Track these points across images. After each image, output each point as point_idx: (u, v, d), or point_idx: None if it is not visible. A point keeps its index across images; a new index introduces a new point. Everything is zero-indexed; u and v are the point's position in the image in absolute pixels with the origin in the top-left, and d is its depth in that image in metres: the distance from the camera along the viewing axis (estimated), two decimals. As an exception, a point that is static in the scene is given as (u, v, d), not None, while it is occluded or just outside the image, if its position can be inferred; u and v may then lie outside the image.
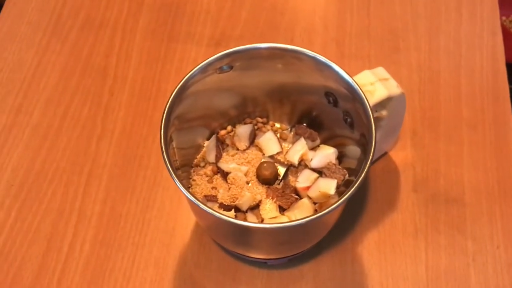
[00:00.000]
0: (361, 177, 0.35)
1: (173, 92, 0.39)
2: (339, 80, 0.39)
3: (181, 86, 0.39)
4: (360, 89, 0.38)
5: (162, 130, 0.38)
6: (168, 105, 0.39)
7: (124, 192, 0.51)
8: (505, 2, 0.81)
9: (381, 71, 0.42)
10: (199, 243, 0.48)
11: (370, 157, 0.36)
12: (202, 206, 0.36)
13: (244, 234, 0.39)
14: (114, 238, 0.49)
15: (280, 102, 0.47)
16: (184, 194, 0.36)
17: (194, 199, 0.36)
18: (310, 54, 0.40)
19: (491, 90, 0.56)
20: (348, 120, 0.42)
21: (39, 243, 0.48)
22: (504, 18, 0.87)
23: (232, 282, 0.47)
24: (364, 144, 0.38)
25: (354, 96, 0.39)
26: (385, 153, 0.52)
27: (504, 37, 0.60)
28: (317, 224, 0.39)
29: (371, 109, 0.38)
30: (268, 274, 0.47)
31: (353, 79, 0.39)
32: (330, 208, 0.35)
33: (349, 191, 0.35)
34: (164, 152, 0.37)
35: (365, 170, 0.36)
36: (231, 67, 0.42)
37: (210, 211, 0.36)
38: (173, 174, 0.37)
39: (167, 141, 0.38)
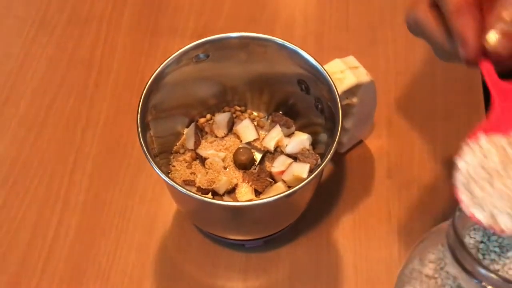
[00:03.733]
0: (327, 158, 0.37)
1: (148, 81, 0.41)
2: (308, 66, 0.41)
3: (156, 75, 0.41)
4: (327, 73, 0.40)
5: (138, 118, 0.39)
6: (143, 94, 0.40)
7: (108, 180, 0.52)
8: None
9: (351, 59, 0.43)
10: (180, 229, 0.50)
11: (336, 138, 0.38)
12: (179, 188, 0.37)
13: (220, 214, 0.41)
14: (98, 224, 0.50)
15: (257, 91, 0.48)
16: (162, 178, 0.38)
17: (171, 181, 0.38)
18: (279, 42, 0.41)
19: (465, 81, 0.57)
20: (319, 106, 0.44)
21: (25, 231, 0.50)
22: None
23: (211, 266, 0.48)
24: (333, 129, 0.40)
25: (321, 81, 0.41)
26: (361, 141, 0.54)
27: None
28: (288, 203, 0.41)
29: (337, 92, 0.39)
30: (247, 257, 0.48)
31: (320, 65, 0.41)
32: (299, 186, 0.37)
33: (315, 171, 0.37)
34: (141, 138, 0.39)
35: (331, 151, 0.37)
36: (207, 56, 0.43)
37: (186, 192, 0.37)
38: (150, 159, 0.38)
39: (144, 129, 0.40)
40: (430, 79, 0.58)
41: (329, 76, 0.40)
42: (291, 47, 0.41)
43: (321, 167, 0.37)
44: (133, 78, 0.58)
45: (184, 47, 0.43)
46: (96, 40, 0.61)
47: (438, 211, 0.50)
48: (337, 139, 0.37)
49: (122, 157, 0.54)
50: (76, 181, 0.52)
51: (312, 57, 0.41)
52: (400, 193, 0.51)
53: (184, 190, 0.37)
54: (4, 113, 0.56)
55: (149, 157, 0.38)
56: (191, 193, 0.37)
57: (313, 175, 0.37)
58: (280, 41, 0.41)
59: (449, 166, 0.52)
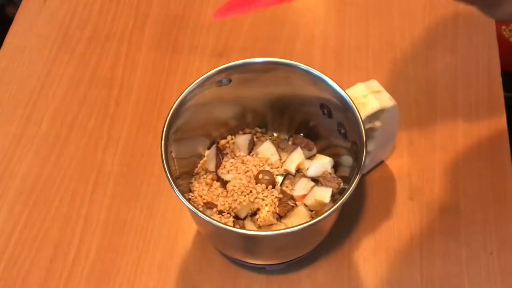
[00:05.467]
0: (353, 185, 0.37)
1: (172, 107, 0.41)
2: (332, 92, 0.41)
3: (180, 100, 0.41)
4: (351, 100, 0.40)
5: (162, 143, 0.39)
6: (167, 120, 0.40)
7: (129, 200, 0.53)
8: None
9: (374, 83, 0.43)
10: (200, 249, 0.50)
11: (361, 166, 0.37)
12: (201, 214, 0.38)
13: (242, 241, 0.41)
14: (119, 244, 0.50)
15: (278, 113, 0.48)
16: (184, 204, 0.38)
17: (193, 208, 0.38)
18: (304, 68, 0.41)
19: (487, 100, 0.57)
20: (342, 131, 0.43)
21: (46, 249, 0.50)
22: (504, 27, 0.88)
23: (232, 287, 0.48)
24: (357, 153, 0.40)
25: (345, 106, 0.40)
26: (382, 162, 0.53)
27: (504, 47, 0.61)
28: (312, 231, 0.41)
29: (361, 120, 0.39)
30: (267, 279, 0.48)
31: (344, 91, 0.41)
32: (323, 215, 0.37)
33: (341, 198, 0.37)
34: (165, 164, 0.39)
35: (356, 178, 0.37)
36: (230, 81, 0.43)
37: (208, 219, 0.37)
38: (173, 185, 0.38)
39: (168, 153, 0.40)
40: (451, 98, 0.57)
41: (353, 102, 0.40)
42: (315, 73, 0.41)
43: (346, 195, 0.37)
44: (154, 96, 0.59)
45: (206, 68, 0.43)
46: (117, 58, 0.61)
47: (460, 232, 0.50)
48: (362, 166, 0.37)
49: (143, 176, 0.54)
50: (97, 200, 0.53)
51: (336, 83, 0.41)
52: (422, 214, 0.51)
53: (206, 218, 0.37)
54: (27, 131, 0.57)
55: (172, 182, 0.38)
56: (213, 221, 0.37)
57: (339, 203, 0.37)
58: (304, 66, 0.41)
59: (472, 187, 0.52)
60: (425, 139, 0.55)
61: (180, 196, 0.38)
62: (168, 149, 0.40)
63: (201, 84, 0.42)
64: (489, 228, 0.50)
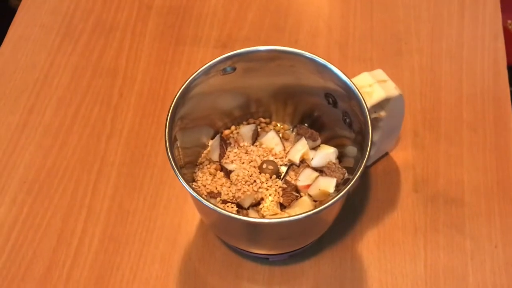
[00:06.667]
0: (357, 175, 0.37)
1: (176, 94, 0.41)
2: (337, 80, 0.41)
3: (184, 88, 0.41)
4: (356, 88, 0.39)
5: (166, 130, 0.39)
6: (172, 107, 0.40)
7: (132, 190, 0.52)
8: (510, 5, 0.82)
9: (379, 73, 0.43)
10: (203, 240, 0.50)
11: (366, 155, 0.37)
12: (205, 202, 0.37)
13: (245, 229, 0.41)
14: (122, 234, 0.50)
15: (282, 103, 0.48)
16: (188, 191, 0.38)
17: (197, 195, 0.38)
18: (308, 56, 0.41)
19: (492, 92, 0.57)
20: (347, 120, 0.43)
21: (50, 238, 0.50)
22: (509, 21, 0.87)
23: (234, 278, 0.48)
24: (362, 143, 0.40)
25: (351, 95, 0.40)
26: (386, 154, 0.53)
27: (510, 41, 0.60)
28: (315, 220, 0.40)
29: (367, 107, 0.39)
30: (270, 270, 0.48)
31: (349, 79, 0.40)
32: (328, 204, 0.36)
33: (345, 188, 0.36)
34: (169, 151, 0.39)
35: (361, 167, 0.37)
36: (234, 69, 0.43)
37: (213, 207, 0.37)
38: (178, 172, 0.38)
39: (172, 141, 0.40)
40: (456, 90, 0.57)
41: (358, 90, 0.39)
42: (320, 61, 0.41)
43: (350, 184, 0.37)
44: (157, 87, 0.58)
45: (210, 59, 0.42)
46: (121, 49, 0.61)
47: (465, 225, 0.50)
48: (367, 155, 0.37)
49: (146, 166, 0.54)
50: (101, 190, 0.53)
51: (341, 71, 0.41)
52: (426, 206, 0.51)
53: (211, 205, 0.37)
54: (30, 121, 0.56)
55: (177, 171, 0.38)
56: (218, 209, 0.37)
57: (343, 192, 0.36)
58: (309, 55, 0.41)
59: (476, 179, 0.52)
60: (429, 131, 0.55)
61: (184, 183, 0.37)
62: (172, 136, 0.40)
63: (206, 72, 0.42)
64: (493, 221, 0.50)
